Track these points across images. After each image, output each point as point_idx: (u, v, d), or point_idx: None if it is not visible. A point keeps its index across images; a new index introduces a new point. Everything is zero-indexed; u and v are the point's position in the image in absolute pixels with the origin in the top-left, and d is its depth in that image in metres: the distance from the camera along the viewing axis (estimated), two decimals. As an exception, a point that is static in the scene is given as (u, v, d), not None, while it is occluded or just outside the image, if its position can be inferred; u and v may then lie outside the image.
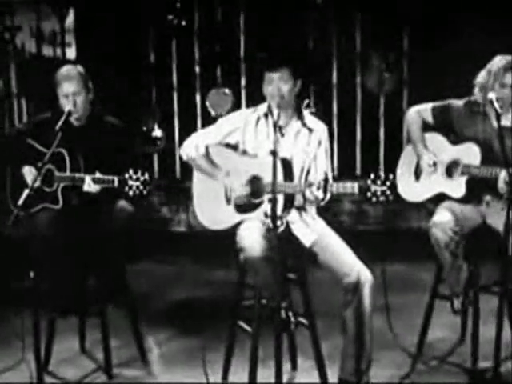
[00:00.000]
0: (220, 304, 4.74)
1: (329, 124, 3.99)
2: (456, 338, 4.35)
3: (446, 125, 4.02)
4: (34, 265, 3.59)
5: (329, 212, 4.64)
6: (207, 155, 3.81)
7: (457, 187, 3.94)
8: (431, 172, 3.99)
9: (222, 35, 6.95)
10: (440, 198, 3.99)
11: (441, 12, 6.35)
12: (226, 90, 6.92)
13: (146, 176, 3.76)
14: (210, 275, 5.69)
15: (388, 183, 3.33)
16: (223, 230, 3.77)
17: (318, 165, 3.74)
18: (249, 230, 3.57)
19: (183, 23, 6.86)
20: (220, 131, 3.79)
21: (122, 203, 4.06)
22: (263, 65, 3.73)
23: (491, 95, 3.75)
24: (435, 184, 4.01)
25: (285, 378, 3.90)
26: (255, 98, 3.89)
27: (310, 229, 3.72)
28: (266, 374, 3.57)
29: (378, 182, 3.33)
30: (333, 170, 6.72)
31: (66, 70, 4.10)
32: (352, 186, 3.39)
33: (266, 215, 3.50)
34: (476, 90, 3.96)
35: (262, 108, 3.76)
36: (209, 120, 6.37)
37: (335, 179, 3.58)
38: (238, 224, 3.67)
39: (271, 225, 3.23)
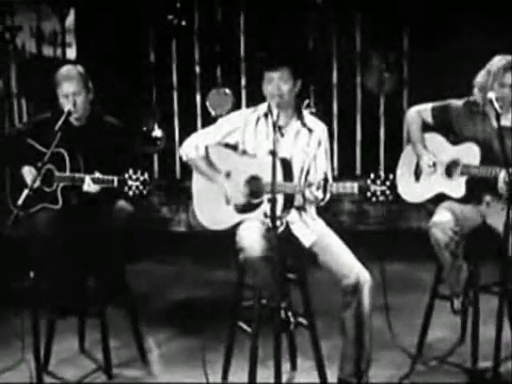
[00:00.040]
0: (220, 304, 4.74)
1: (329, 124, 4.00)
2: (456, 338, 4.34)
3: (445, 125, 4.02)
4: (34, 265, 3.60)
5: (329, 212, 4.63)
6: (207, 156, 3.81)
7: (456, 187, 3.94)
8: (431, 172, 3.99)
9: (222, 35, 6.95)
10: (440, 198, 3.99)
11: (441, 12, 6.35)
12: (226, 90, 6.92)
13: (146, 176, 3.75)
14: (210, 275, 5.69)
15: (388, 183, 3.32)
16: (223, 230, 3.76)
17: (317, 165, 3.74)
18: (248, 230, 3.57)
19: (183, 23, 6.87)
20: (220, 131, 3.79)
21: (122, 203, 4.06)
22: (263, 64, 3.72)
23: (491, 95, 3.75)
24: (435, 184, 4.01)
25: (284, 378, 3.90)
26: (255, 98, 3.89)
27: (310, 229, 3.72)
28: (265, 374, 3.58)
29: (378, 182, 3.33)
30: (333, 169, 6.78)
31: (65, 69, 4.09)
32: (352, 186, 3.38)
33: (265, 215, 3.50)
34: (475, 90, 3.95)
35: (262, 108, 3.75)
36: (209, 120, 6.37)
37: (335, 179, 3.58)
38: (238, 224, 3.67)
39: (271, 225, 3.23)
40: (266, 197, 3.59)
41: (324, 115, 6.57)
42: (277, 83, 3.63)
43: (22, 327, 3.76)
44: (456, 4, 6.29)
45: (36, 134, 4.09)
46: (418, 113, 4.08)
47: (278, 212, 3.52)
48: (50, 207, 4.02)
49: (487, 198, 3.94)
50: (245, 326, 3.71)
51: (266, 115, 3.73)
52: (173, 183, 6.95)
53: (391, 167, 4.13)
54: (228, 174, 3.75)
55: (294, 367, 4.08)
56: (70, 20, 7.01)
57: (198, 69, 7.04)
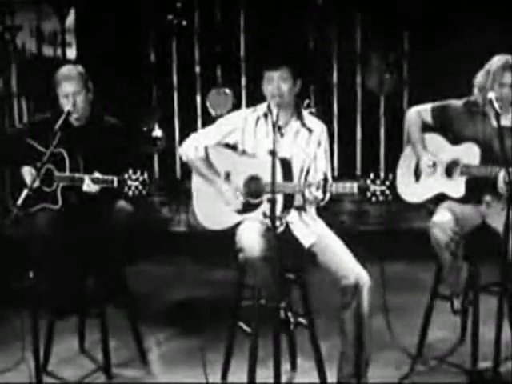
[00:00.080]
0: (220, 304, 4.74)
1: (329, 124, 3.99)
2: (456, 338, 4.35)
3: (445, 125, 4.02)
4: (34, 265, 3.60)
5: (329, 212, 4.63)
6: (206, 158, 3.80)
7: (456, 187, 3.93)
8: (431, 172, 3.99)
9: (222, 35, 6.95)
10: (440, 198, 3.98)
11: (441, 12, 6.34)
12: (227, 90, 6.92)
13: (146, 176, 3.75)
14: (209, 275, 5.69)
15: (387, 183, 3.32)
16: (223, 230, 3.76)
17: (317, 165, 3.74)
18: (248, 229, 3.57)
19: (183, 23, 6.86)
20: (219, 131, 3.79)
21: (122, 203, 4.06)
22: (263, 64, 3.72)
23: (491, 95, 3.75)
24: (435, 184, 4.00)
25: (284, 378, 3.91)
26: (255, 98, 3.88)
27: (310, 229, 3.72)
28: (265, 374, 3.57)
29: (378, 182, 3.32)
30: (333, 170, 6.79)
31: (66, 69, 4.09)
32: (351, 186, 3.38)
33: (264, 215, 3.50)
34: (475, 90, 3.95)
35: (262, 108, 3.75)
36: (209, 120, 6.36)
37: (335, 179, 3.58)
38: (238, 224, 3.66)
39: (270, 225, 3.22)
40: (265, 197, 3.59)
41: (324, 115, 6.58)
42: (277, 83, 3.62)
43: (22, 327, 3.75)
44: (456, 4, 6.29)
45: (36, 134, 4.08)
46: (418, 113, 4.08)
47: (278, 212, 3.52)
48: (50, 207, 4.02)
49: (487, 198, 3.94)
50: (244, 326, 3.71)
51: (265, 115, 3.73)
52: (173, 183, 6.96)
53: (391, 167, 4.13)
54: (227, 175, 3.75)
55: (293, 367, 4.07)
56: (70, 20, 7.00)
57: (198, 69, 7.03)
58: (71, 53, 7.04)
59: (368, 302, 3.56)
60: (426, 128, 4.06)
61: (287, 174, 3.62)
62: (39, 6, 6.89)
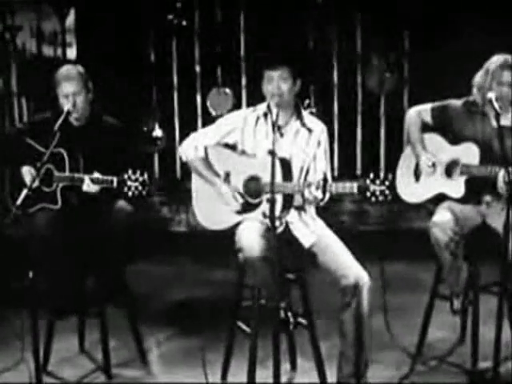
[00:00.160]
0: (220, 304, 4.74)
1: (329, 124, 3.99)
2: (456, 338, 4.34)
3: (444, 125, 4.02)
4: (34, 265, 3.59)
5: (329, 212, 4.63)
6: (206, 158, 3.80)
7: (456, 187, 3.93)
8: (430, 173, 3.99)
9: (223, 35, 6.95)
10: (440, 198, 3.98)
11: (441, 12, 6.34)
12: (227, 90, 6.91)
13: (145, 176, 3.75)
14: (210, 275, 5.69)
15: (387, 183, 3.32)
16: (223, 230, 3.76)
17: (317, 165, 3.73)
18: (248, 229, 3.56)
19: (184, 23, 6.86)
20: (219, 131, 3.79)
21: (121, 203, 4.06)
22: (263, 63, 3.72)
23: (491, 95, 3.75)
24: (435, 184, 4.00)
25: (284, 379, 3.91)
26: (256, 98, 3.88)
27: (310, 229, 3.72)
28: (264, 374, 3.57)
29: (377, 182, 3.32)
30: (333, 170, 6.79)
31: (65, 69, 4.09)
32: (351, 186, 3.38)
33: (264, 215, 3.49)
34: (474, 90, 3.96)
35: (262, 108, 3.75)
36: (209, 120, 6.36)
37: (336, 179, 3.58)
38: (238, 224, 3.66)
39: (270, 225, 3.22)
40: (265, 197, 3.58)
41: (324, 115, 6.58)
42: (277, 82, 3.62)
43: (22, 327, 3.75)
44: (456, 4, 6.29)
45: (36, 134, 4.08)
46: (418, 113, 4.08)
47: (278, 212, 3.52)
48: (50, 207, 4.02)
49: (487, 198, 3.93)
50: (244, 326, 3.71)
51: (265, 115, 3.72)
52: (173, 183, 6.96)
53: (392, 167, 4.13)
54: (227, 175, 3.74)
55: (293, 367, 4.07)
56: (71, 20, 7.00)
57: (198, 68, 7.03)
58: (71, 53, 7.04)
59: (368, 302, 3.56)
60: (425, 128, 4.06)
61: (287, 173, 3.61)
62: (39, 5, 6.89)
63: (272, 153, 3.30)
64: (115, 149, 4.06)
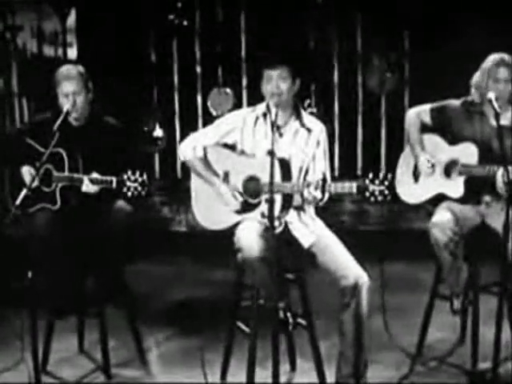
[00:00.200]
0: (219, 304, 4.73)
1: (330, 124, 3.98)
2: (455, 338, 4.34)
3: (443, 125, 4.02)
4: (33, 265, 3.59)
5: (329, 212, 4.62)
6: (205, 158, 3.79)
7: (455, 187, 3.93)
8: (429, 173, 3.98)
9: (223, 35, 6.95)
10: (439, 198, 3.97)
11: (441, 12, 6.34)
12: (227, 90, 6.91)
13: (145, 177, 3.75)
14: (210, 275, 5.69)
15: (386, 183, 3.31)
16: (222, 230, 3.75)
17: (316, 165, 3.73)
18: (247, 230, 3.56)
19: (184, 23, 6.86)
20: (218, 131, 3.78)
21: (121, 203, 4.05)
22: (262, 63, 3.72)
23: (490, 95, 3.75)
24: (434, 185, 3.99)
25: (284, 379, 3.90)
26: (256, 98, 3.88)
27: (309, 229, 3.71)
28: (264, 374, 3.57)
29: (376, 182, 3.32)
30: (334, 170, 6.79)
31: (66, 69, 4.09)
32: (350, 186, 3.37)
33: (263, 215, 3.49)
34: (472, 90, 3.96)
35: (261, 108, 3.74)
36: (210, 120, 6.35)
37: (336, 179, 3.57)
38: (237, 224, 3.66)
39: (269, 225, 3.22)
40: (264, 197, 3.58)
41: (325, 115, 6.58)
42: (276, 82, 3.62)
43: (22, 327, 3.75)
44: (456, 4, 6.29)
45: (36, 134, 4.08)
46: (417, 114, 4.08)
47: (277, 212, 3.51)
48: (49, 207, 4.01)
49: (486, 198, 3.93)
50: (243, 327, 3.71)
51: (264, 115, 3.72)
52: (174, 183, 6.96)
53: (392, 167, 4.12)
54: (226, 175, 3.74)
55: (293, 368, 4.07)
56: (71, 20, 7.01)
57: (198, 69, 7.04)
58: (72, 53, 7.04)
59: (367, 302, 3.56)
60: (425, 129, 4.06)
61: (286, 174, 3.61)
62: (40, 5, 6.90)
63: (271, 153, 3.30)
64: (115, 149, 4.05)
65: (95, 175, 3.86)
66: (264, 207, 3.49)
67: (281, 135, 3.70)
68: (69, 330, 4.28)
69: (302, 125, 3.73)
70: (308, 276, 3.71)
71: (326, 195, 3.47)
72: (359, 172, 7.02)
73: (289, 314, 3.57)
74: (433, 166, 3.97)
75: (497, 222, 3.74)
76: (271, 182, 3.23)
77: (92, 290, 4.08)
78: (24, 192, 3.56)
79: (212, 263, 5.77)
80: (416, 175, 4.06)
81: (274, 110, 3.51)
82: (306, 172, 3.72)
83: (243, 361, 3.66)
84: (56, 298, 4.02)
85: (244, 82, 6.98)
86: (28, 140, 4.08)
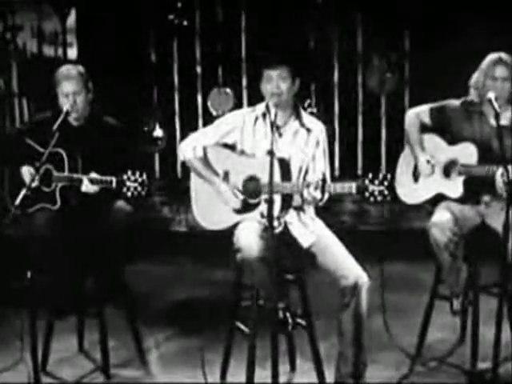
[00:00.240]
0: (219, 304, 4.73)
1: (330, 124, 3.98)
2: (455, 338, 4.33)
3: (443, 125, 4.02)
4: (33, 265, 3.59)
5: (329, 212, 4.62)
6: (205, 158, 3.79)
7: (454, 187, 3.93)
8: (429, 173, 3.98)
9: (223, 35, 6.95)
10: (438, 198, 3.97)
11: (441, 12, 6.34)
12: (228, 90, 6.92)
13: (144, 177, 3.75)
14: (210, 275, 5.69)
15: (386, 183, 3.31)
16: (222, 230, 3.75)
17: (316, 165, 3.73)
18: (246, 230, 3.56)
19: (184, 23, 6.87)
20: (218, 131, 3.78)
21: (121, 203, 4.05)
22: (262, 63, 3.72)
23: (490, 95, 3.75)
24: (433, 185, 3.99)
25: (283, 379, 3.90)
26: (256, 98, 3.88)
27: (309, 230, 3.71)
28: (263, 374, 3.56)
29: (376, 182, 3.32)
30: (334, 170, 6.80)
31: (66, 69, 4.09)
32: (350, 186, 3.37)
33: (262, 215, 3.49)
34: (471, 91, 3.96)
35: (260, 108, 3.74)
36: (210, 120, 6.35)
37: (337, 179, 3.57)
38: (236, 224, 3.66)
39: (268, 225, 3.21)
40: (263, 197, 3.58)
41: (325, 115, 6.58)
42: (276, 82, 3.62)
43: (22, 327, 3.75)
44: (456, 4, 6.29)
45: (35, 134, 4.08)
46: (416, 115, 4.08)
47: (276, 212, 3.51)
48: (49, 207, 4.01)
49: (486, 197, 3.93)
50: (243, 327, 3.71)
51: (264, 115, 3.72)
52: (174, 183, 6.96)
53: (392, 167, 4.12)
54: (226, 175, 3.74)
55: (292, 368, 4.06)
56: (71, 20, 7.01)
57: (199, 68, 7.05)
58: (72, 53, 7.05)
59: (367, 302, 3.55)
60: (425, 129, 4.06)
61: (285, 174, 3.61)
62: (40, 5, 6.90)
63: (271, 153, 3.30)
64: (114, 149, 4.06)
65: (95, 175, 3.86)
66: (263, 207, 3.49)
67: (280, 135, 3.70)
68: (68, 330, 4.28)
69: (302, 125, 3.73)
70: (308, 276, 3.71)
71: (326, 195, 3.47)
72: (359, 172, 7.02)
73: (288, 315, 3.57)
74: (432, 166, 3.96)
75: (497, 222, 3.74)
76: (271, 182, 3.23)
77: (92, 290, 4.08)
78: (24, 192, 3.56)
79: (212, 263, 5.76)
80: (416, 175, 4.06)
81: (273, 110, 3.51)
82: (306, 172, 3.72)
83: (243, 361, 3.66)
84: (56, 298, 4.02)
85: (244, 82, 6.98)
86: (28, 140, 4.08)
